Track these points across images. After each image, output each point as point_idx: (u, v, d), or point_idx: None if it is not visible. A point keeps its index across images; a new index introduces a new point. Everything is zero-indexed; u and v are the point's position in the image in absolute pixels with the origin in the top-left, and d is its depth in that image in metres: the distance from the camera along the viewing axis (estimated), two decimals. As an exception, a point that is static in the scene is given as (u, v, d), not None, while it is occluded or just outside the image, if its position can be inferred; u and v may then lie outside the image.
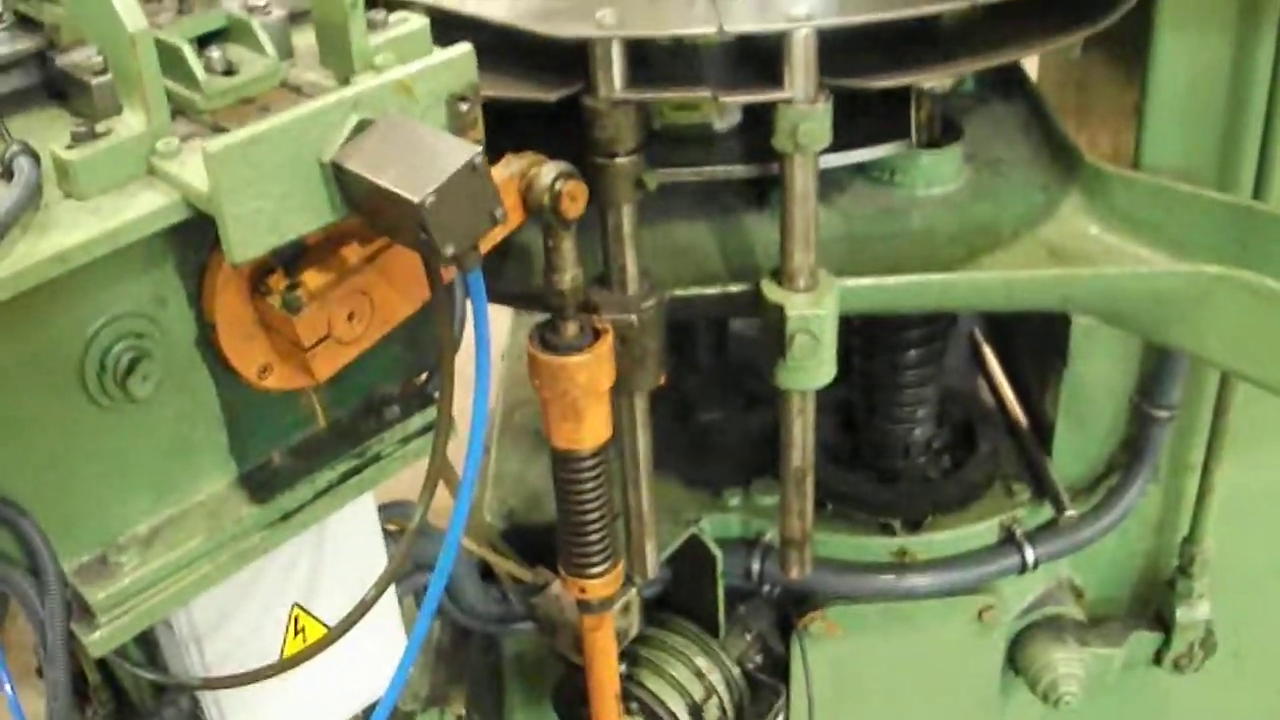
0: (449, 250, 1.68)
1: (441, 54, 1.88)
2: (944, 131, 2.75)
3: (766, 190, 2.63)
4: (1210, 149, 2.91)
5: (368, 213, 1.77)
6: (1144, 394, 3.23)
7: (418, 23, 2.02)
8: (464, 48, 1.88)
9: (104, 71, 1.88)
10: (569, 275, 2.20)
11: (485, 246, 1.82)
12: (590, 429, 2.36)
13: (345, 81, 1.94)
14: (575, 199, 2.09)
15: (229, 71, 1.95)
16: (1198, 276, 2.56)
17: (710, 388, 3.62)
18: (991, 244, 2.70)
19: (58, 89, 2.02)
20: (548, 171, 2.07)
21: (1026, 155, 2.94)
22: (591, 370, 2.27)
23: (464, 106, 1.88)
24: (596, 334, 2.29)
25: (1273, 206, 2.80)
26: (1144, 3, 2.63)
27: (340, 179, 1.75)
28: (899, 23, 2.23)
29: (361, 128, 1.77)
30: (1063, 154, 2.89)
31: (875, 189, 2.77)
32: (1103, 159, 2.83)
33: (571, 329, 2.27)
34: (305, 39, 2.07)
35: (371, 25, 1.97)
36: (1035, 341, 3.41)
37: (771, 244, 2.52)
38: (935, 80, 2.39)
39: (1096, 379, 3.25)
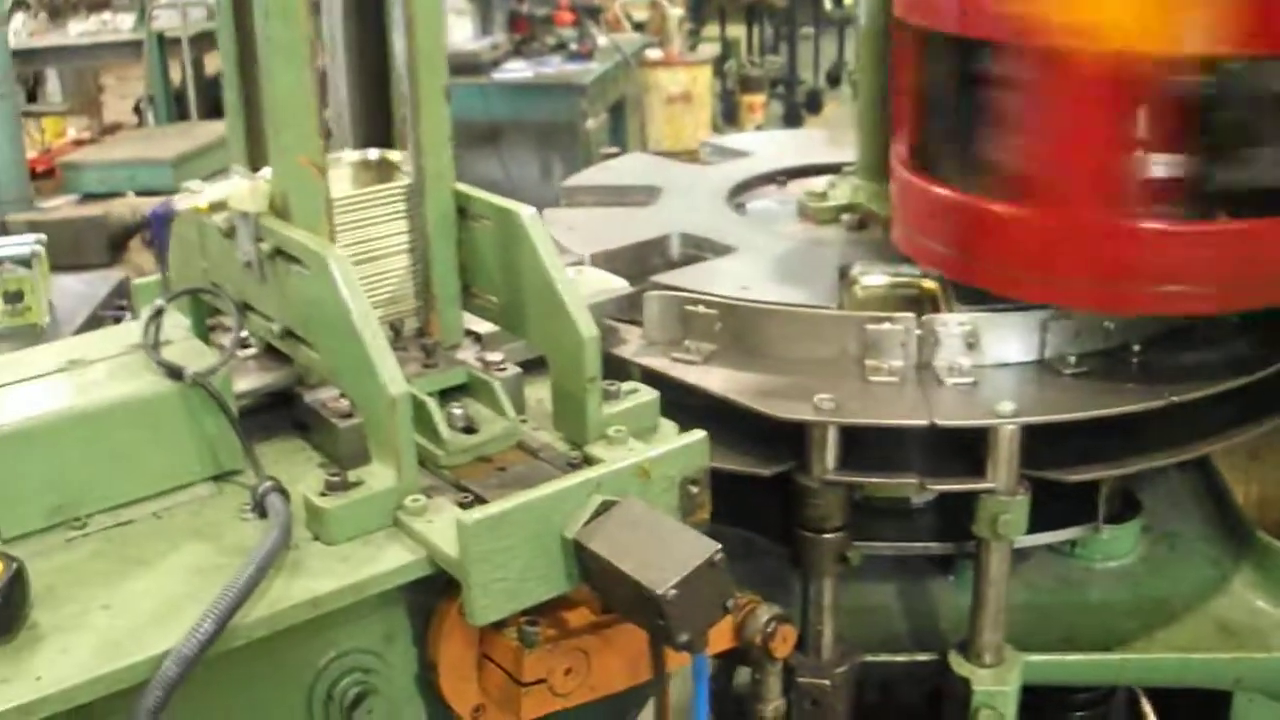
0: (683, 638, 1.78)
1: (677, 440, 2.01)
2: (1123, 506, 2.83)
3: (954, 558, 2.71)
4: None
5: (603, 589, 1.88)
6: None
7: (648, 395, 2.18)
8: (698, 435, 2.01)
9: (350, 415, 2.04)
10: (772, 706, 2.35)
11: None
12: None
13: (578, 447, 2.09)
14: (786, 640, 2.19)
15: (469, 429, 2.10)
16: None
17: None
18: (1165, 619, 2.76)
19: (300, 420, 2.19)
20: (763, 613, 2.17)
21: (1200, 529, 3.02)
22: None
23: (694, 489, 2.00)
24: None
25: None
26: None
27: (581, 556, 1.86)
28: (1094, 417, 2.35)
29: (604, 508, 1.89)
30: (1236, 528, 2.97)
31: (1056, 559, 2.86)
32: (1271, 529, 2.90)
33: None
34: (535, 392, 2.23)
35: (606, 395, 2.12)
36: (1196, 708, 3.41)
37: (955, 611, 2.62)
38: (1127, 473, 2.48)
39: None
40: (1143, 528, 2.92)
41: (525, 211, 2.11)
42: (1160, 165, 2.45)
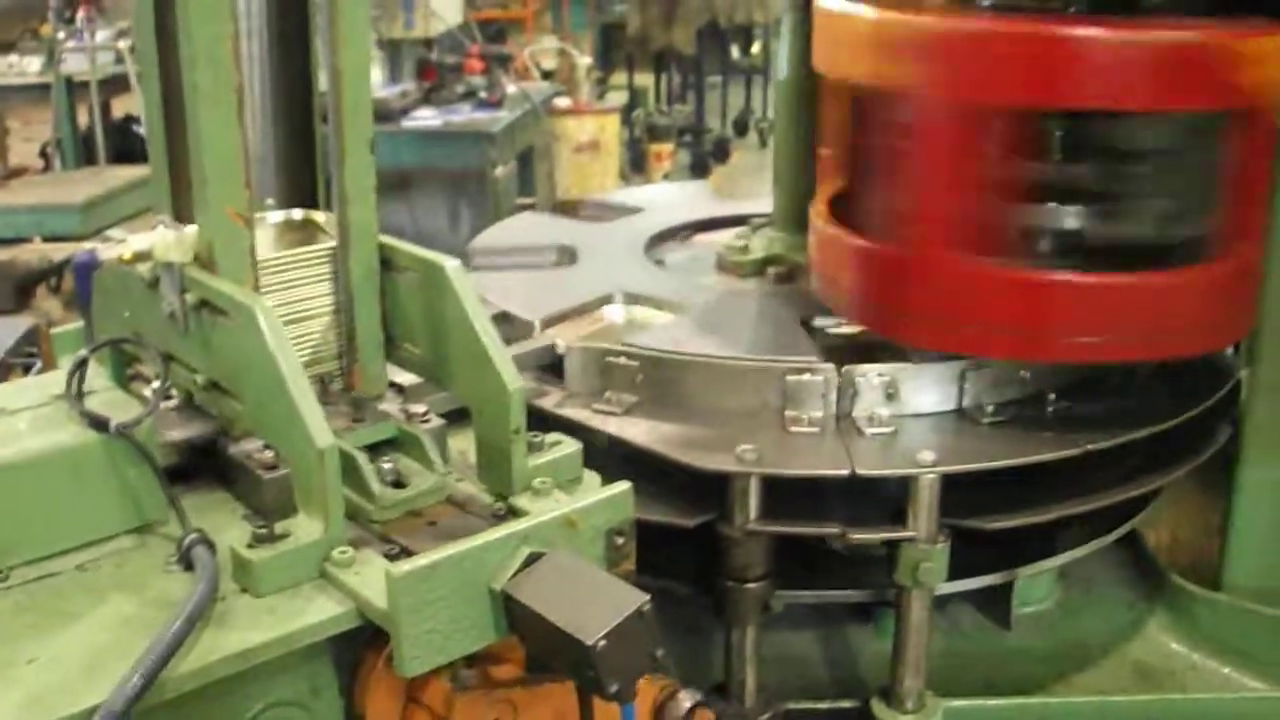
0: (612, 688, 1.79)
1: (603, 491, 2.02)
2: (1040, 552, 2.86)
3: (872, 605, 2.74)
4: None
5: (532, 640, 1.89)
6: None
7: (571, 446, 2.19)
8: (623, 487, 2.02)
9: (275, 467, 2.04)
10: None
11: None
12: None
13: (504, 499, 2.10)
14: None
15: (398, 483, 2.10)
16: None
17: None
18: (1082, 663, 2.83)
19: (224, 472, 2.18)
20: (684, 699, 2.17)
21: (1115, 573, 3.08)
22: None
23: (620, 540, 2.02)
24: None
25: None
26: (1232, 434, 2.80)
27: (509, 607, 1.87)
28: (1011, 466, 2.40)
29: (532, 559, 1.90)
30: (1149, 572, 3.04)
31: (972, 605, 2.88)
32: (1183, 571, 2.97)
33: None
34: (457, 443, 2.24)
35: (530, 447, 2.13)
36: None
37: (876, 657, 2.65)
38: (1045, 520, 2.52)
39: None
40: (1059, 573, 2.96)
41: (449, 264, 2.12)
42: (1070, 217, 2.52)
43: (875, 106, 2.57)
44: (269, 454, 2.08)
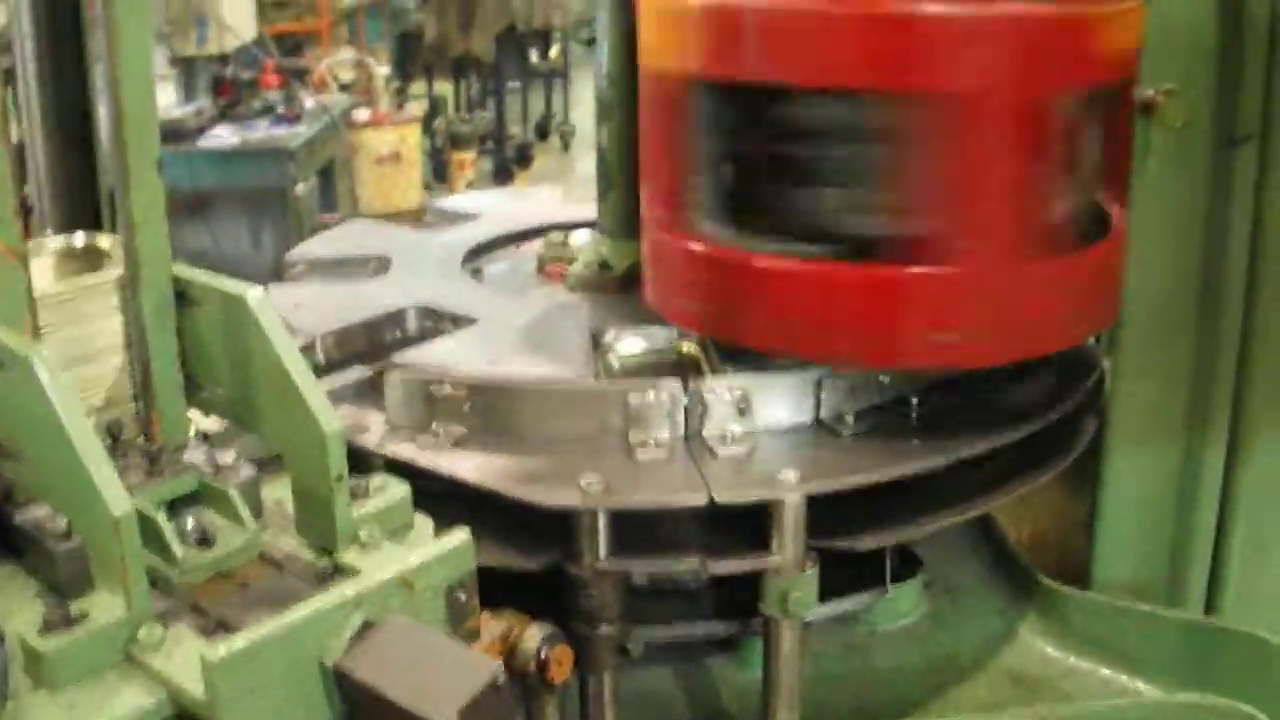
0: (469, 767, 1.58)
1: (439, 543, 1.79)
2: (902, 563, 2.71)
3: (736, 638, 2.55)
4: (1161, 564, 2.94)
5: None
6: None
7: (399, 490, 1.94)
8: (461, 536, 1.80)
9: (70, 535, 1.78)
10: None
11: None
12: None
13: (327, 554, 1.86)
14: (562, 664, 1.98)
15: (204, 541, 1.84)
16: (1172, 706, 2.57)
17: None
18: (957, 676, 2.68)
19: (10, 543, 1.91)
20: (532, 635, 1.97)
21: (981, 578, 2.93)
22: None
23: (463, 596, 1.80)
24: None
25: (1227, 621, 2.81)
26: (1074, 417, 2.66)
27: (344, 685, 1.64)
28: (883, 480, 2.23)
29: (366, 628, 1.67)
30: (1017, 574, 2.90)
31: (838, 626, 2.71)
32: (1049, 569, 2.85)
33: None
34: (272, 492, 1.99)
35: (352, 493, 1.89)
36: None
37: (740, 689, 2.47)
38: (920, 535, 2.37)
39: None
40: (924, 583, 2.81)
41: (252, 293, 1.87)
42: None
43: (718, 101, 2.38)
44: (61, 522, 1.82)
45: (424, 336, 2.67)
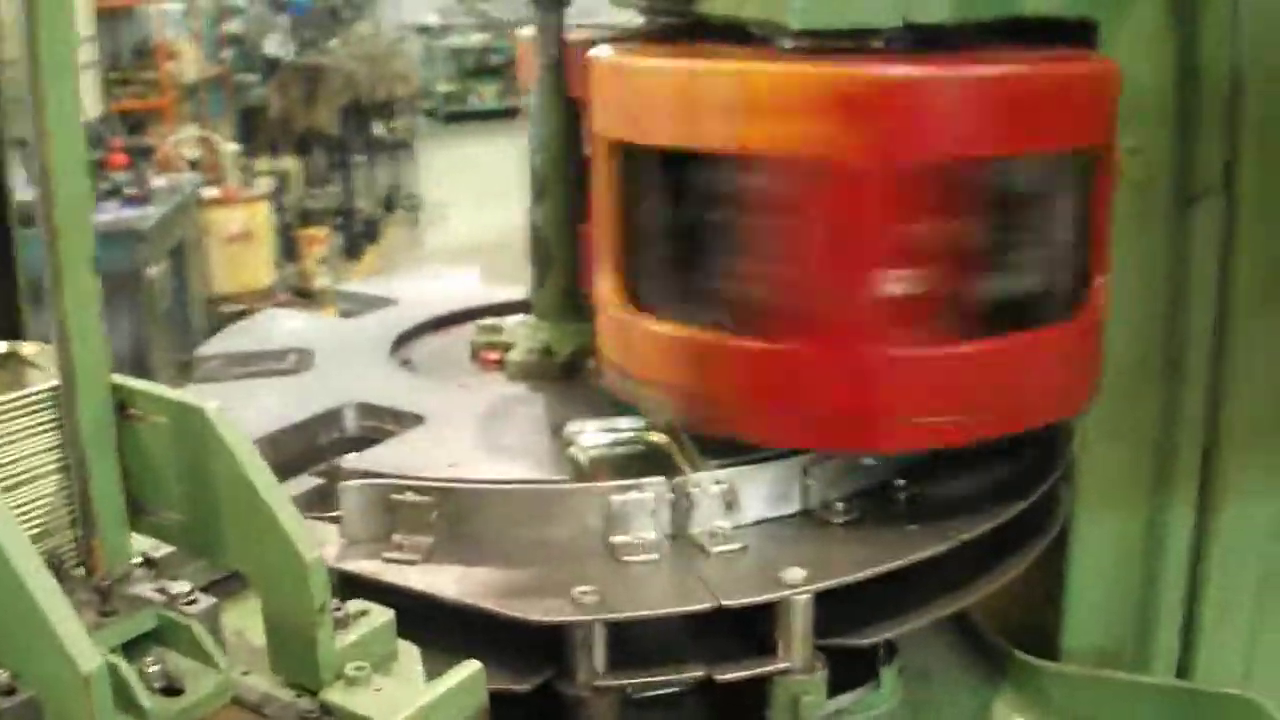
0: None
1: (450, 679, 1.60)
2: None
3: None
4: (1128, 629, 2.85)
5: None
6: None
7: (381, 615, 1.73)
8: (472, 669, 1.61)
9: (13, 691, 1.54)
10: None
11: None
12: None
13: (309, 692, 1.64)
14: None
15: (171, 689, 1.63)
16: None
17: None
18: (941, 761, 2.52)
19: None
20: None
21: (951, 657, 2.78)
22: None
23: (474, 742, 1.61)
24: None
25: (1202, 684, 2.73)
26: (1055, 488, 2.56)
27: None
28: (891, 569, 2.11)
29: (371, 780, 1.47)
30: (987, 651, 2.77)
31: (820, 723, 2.54)
32: (1014, 638, 2.73)
33: None
34: (230, 620, 1.76)
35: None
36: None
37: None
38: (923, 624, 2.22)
39: None
40: (897, 669, 2.67)
41: (210, 406, 1.66)
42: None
43: (691, 172, 2.23)
44: (4, 675, 1.58)
45: (364, 437, 2.46)
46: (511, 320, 2.89)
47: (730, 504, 2.15)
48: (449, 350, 2.98)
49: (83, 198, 1.66)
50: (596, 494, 2.12)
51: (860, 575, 2.05)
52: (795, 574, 2.00)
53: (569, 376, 2.69)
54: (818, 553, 2.11)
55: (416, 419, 2.44)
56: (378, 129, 15.50)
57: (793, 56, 2.15)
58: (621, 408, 2.38)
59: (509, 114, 18.10)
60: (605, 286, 2.37)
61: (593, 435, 2.31)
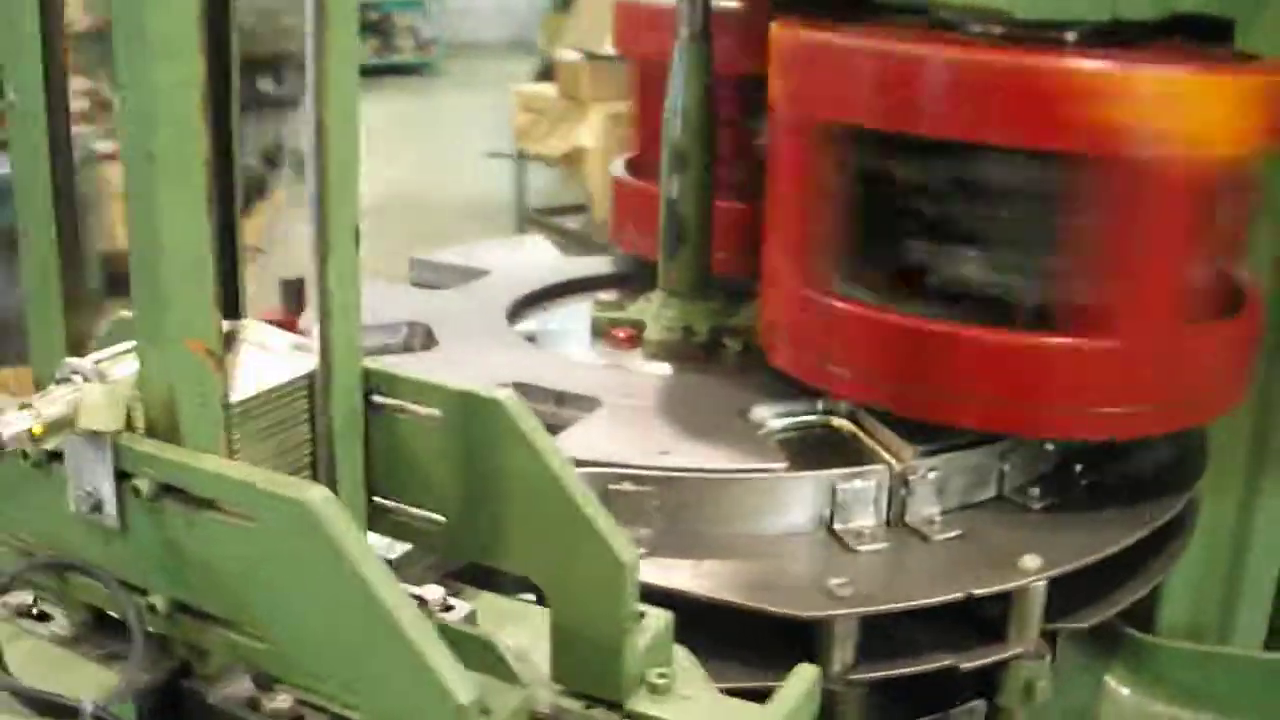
0: None
1: (794, 685, 1.51)
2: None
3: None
4: (1216, 604, 2.93)
5: None
6: None
7: (661, 617, 1.59)
8: (810, 674, 1.53)
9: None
10: None
11: None
12: None
13: (598, 703, 1.54)
14: None
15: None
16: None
17: None
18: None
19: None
20: None
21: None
22: None
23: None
24: None
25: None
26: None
27: None
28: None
29: None
30: (1099, 627, 2.77)
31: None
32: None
33: None
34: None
35: (630, 627, 1.56)
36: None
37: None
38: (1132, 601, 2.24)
39: None
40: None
41: (503, 396, 1.52)
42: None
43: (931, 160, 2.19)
44: (284, 702, 1.44)
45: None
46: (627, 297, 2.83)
47: (941, 490, 2.13)
48: (560, 325, 2.90)
49: (351, 166, 1.51)
50: (823, 482, 2.08)
51: (1089, 560, 2.06)
52: (1032, 561, 1.99)
53: (709, 356, 2.63)
54: (1044, 540, 2.10)
55: (588, 402, 2.33)
56: (263, 85, 15.12)
57: (1002, 47, 2.12)
58: (790, 390, 2.34)
59: (385, 71, 17.85)
60: (797, 268, 2.31)
61: (779, 419, 2.27)
